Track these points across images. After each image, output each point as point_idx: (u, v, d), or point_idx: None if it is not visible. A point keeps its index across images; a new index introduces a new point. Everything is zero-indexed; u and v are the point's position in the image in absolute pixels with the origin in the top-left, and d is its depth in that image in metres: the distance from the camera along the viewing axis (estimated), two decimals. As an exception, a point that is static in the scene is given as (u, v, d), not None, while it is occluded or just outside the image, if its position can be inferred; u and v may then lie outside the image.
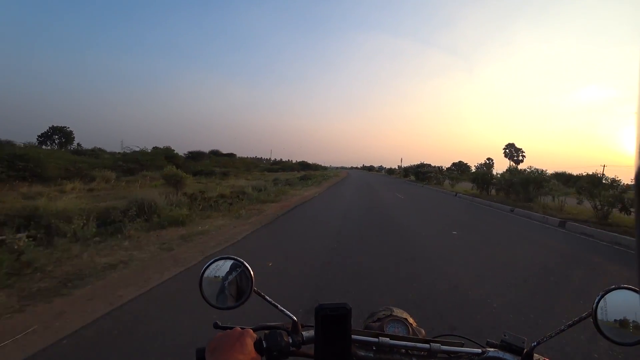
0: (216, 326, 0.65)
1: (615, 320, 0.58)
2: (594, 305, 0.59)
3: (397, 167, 68.73)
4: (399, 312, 0.83)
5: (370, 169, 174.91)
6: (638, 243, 0.38)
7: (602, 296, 0.59)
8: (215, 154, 48.33)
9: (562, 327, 0.63)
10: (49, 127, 51.03)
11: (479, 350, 0.66)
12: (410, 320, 0.79)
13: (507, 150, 70.25)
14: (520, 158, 68.66)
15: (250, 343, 0.58)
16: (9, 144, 24.68)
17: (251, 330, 0.62)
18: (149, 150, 26.06)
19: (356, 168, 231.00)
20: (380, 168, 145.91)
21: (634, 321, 0.58)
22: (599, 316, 0.59)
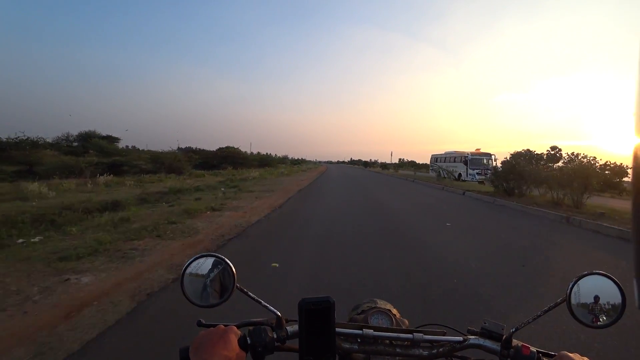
0: (199, 324, 0.64)
1: (587, 304, 0.61)
2: (568, 291, 0.62)
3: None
4: (383, 304, 0.84)
5: (367, 164, 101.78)
6: (635, 235, 0.40)
7: (576, 282, 0.62)
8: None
9: (539, 313, 0.65)
10: None
11: (461, 338, 0.68)
12: (394, 311, 0.81)
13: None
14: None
15: (234, 340, 0.57)
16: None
17: (235, 327, 0.61)
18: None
19: (343, 162, 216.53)
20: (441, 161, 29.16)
21: (605, 305, 0.61)
22: (573, 301, 0.62)
